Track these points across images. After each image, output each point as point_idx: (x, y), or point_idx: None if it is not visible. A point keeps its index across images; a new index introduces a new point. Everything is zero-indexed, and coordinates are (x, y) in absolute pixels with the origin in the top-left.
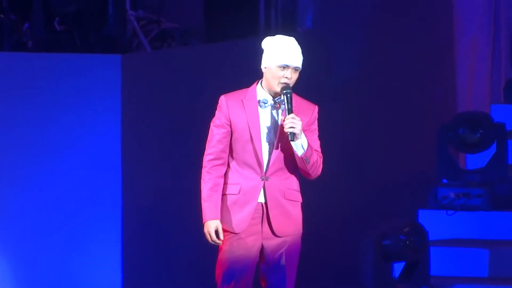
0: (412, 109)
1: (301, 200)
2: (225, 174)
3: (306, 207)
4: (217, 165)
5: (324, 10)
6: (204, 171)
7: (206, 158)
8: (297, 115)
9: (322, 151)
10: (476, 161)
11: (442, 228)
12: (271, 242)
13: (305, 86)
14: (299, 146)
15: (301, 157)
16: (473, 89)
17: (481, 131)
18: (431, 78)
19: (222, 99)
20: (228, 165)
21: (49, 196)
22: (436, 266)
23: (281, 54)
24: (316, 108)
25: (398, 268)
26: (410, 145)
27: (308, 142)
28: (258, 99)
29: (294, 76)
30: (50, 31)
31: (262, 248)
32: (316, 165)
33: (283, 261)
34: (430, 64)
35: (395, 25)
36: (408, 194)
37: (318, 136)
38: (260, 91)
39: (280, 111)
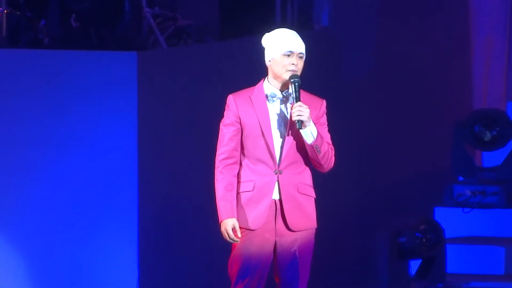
0: (428, 106)
1: (314, 196)
2: (238, 173)
3: (321, 204)
4: (230, 164)
5: (340, 8)
6: (217, 171)
7: (218, 158)
8: None
9: (337, 148)
10: (492, 158)
11: (458, 226)
12: (285, 239)
13: (321, 82)
14: (309, 133)
15: (311, 145)
16: (489, 86)
17: (497, 128)
18: (446, 76)
19: (230, 98)
20: (240, 164)
21: (65, 193)
22: (452, 264)
23: (284, 42)
24: (324, 102)
25: (414, 265)
26: (426, 142)
27: (318, 132)
28: (266, 94)
29: (300, 63)
30: (66, 28)
31: (275, 245)
32: (327, 156)
33: (296, 257)
34: (445, 62)
35: (411, 23)
36: (424, 191)
37: (328, 130)
38: (268, 86)
39: (288, 104)
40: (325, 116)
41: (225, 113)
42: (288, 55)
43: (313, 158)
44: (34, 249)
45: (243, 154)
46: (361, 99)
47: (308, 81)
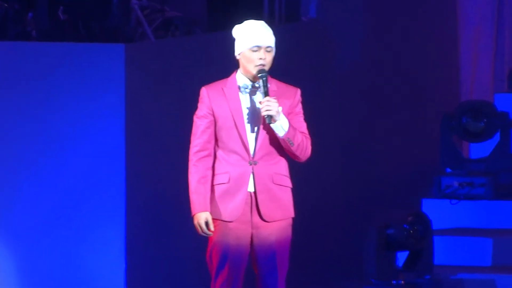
0: (415, 98)
1: (290, 186)
2: (213, 166)
3: (308, 197)
4: (203, 156)
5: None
6: (190, 164)
7: (192, 150)
8: (279, 99)
9: (324, 140)
10: (479, 150)
11: (446, 217)
12: (261, 231)
13: (308, 74)
14: (279, 128)
15: (284, 139)
16: (477, 78)
17: (485, 120)
18: (434, 67)
19: (203, 90)
20: (215, 156)
21: (52, 187)
22: (439, 255)
23: (251, 36)
24: (299, 91)
25: (401, 257)
26: (413, 134)
27: (290, 124)
28: (238, 85)
29: (269, 57)
30: (54, 21)
31: (252, 238)
32: (302, 147)
33: (273, 249)
34: (433, 53)
35: (399, 14)
36: (412, 183)
37: (304, 118)
38: (240, 78)
39: (258, 94)
40: (300, 105)
41: (198, 105)
42: (256, 50)
43: (288, 150)
44: (21, 246)
45: (218, 146)
46: (349, 90)
47: (296, 73)
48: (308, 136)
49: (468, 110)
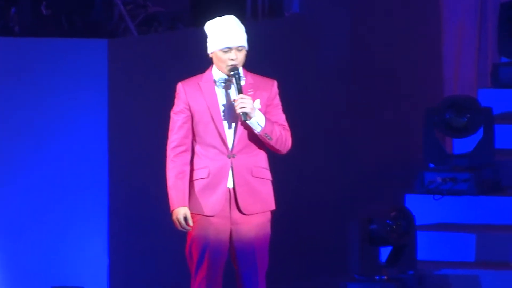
0: (399, 93)
1: (270, 178)
2: (192, 161)
3: (293, 191)
4: (181, 152)
5: None
6: (168, 159)
7: (169, 146)
8: (256, 91)
9: (308, 134)
10: (463, 145)
11: (429, 213)
12: (240, 227)
13: (292, 69)
14: (255, 124)
15: (261, 135)
16: (460, 73)
17: (468, 115)
18: (418, 62)
19: (179, 85)
20: (194, 151)
21: (34, 183)
22: (423, 251)
23: (221, 37)
24: (275, 82)
25: (384, 252)
26: (396, 129)
27: (266, 118)
28: (214, 79)
29: (240, 56)
30: (37, 16)
31: (231, 233)
32: (281, 140)
33: (253, 245)
34: (417, 48)
35: (382, 9)
36: (395, 178)
37: (283, 110)
38: (216, 72)
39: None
40: (278, 97)
41: (175, 101)
42: (226, 51)
43: (266, 144)
44: (2, 242)
45: (195, 141)
46: (332, 86)
47: (279, 68)
48: (287, 128)
49: (451, 105)
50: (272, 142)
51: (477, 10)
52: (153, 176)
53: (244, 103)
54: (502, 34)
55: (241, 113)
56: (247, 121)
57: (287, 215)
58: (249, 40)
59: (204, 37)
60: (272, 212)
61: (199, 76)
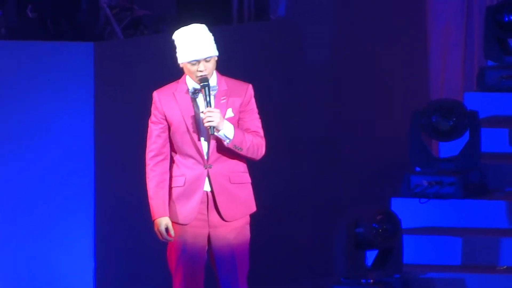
0: (385, 96)
1: (249, 181)
2: (171, 168)
3: (276, 194)
4: (160, 161)
5: None
6: (147, 169)
7: (148, 155)
8: (229, 98)
9: (295, 137)
10: (449, 149)
11: (415, 216)
12: (219, 230)
13: (278, 73)
14: (223, 136)
15: (230, 147)
16: (446, 76)
17: (454, 119)
18: (404, 65)
19: (154, 94)
20: (173, 159)
21: (20, 186)
22: (409, 254)
23: (188, 49)
24: (250, 87)
25: (370, 256)
26: (382, 133)
27: (235, 129)
28: (188, 89)
29: (209, 65)
30: (23, 19)
31: (210, 237)
32: (253, 149)
33: (232, 248)
34: (403, 51)
35: (369, 11)
36: (381, 182)
37: (259, 115)
38: (189, 81)
39: (212, 97)
40: (252, 101)
41: (152, 110)
42: (194, 64)
43: (238, 153)
44: None
45: (174, 150)
46: (318, 89)
47: (265, 72)
48: (260, 134)
49: (437, 108)
50: (243, 152)
51: (463, 13)
52: (140, 178)
53: (211, 117)
54: (488, 38)
55: (209, 127)
56: (215, 134)
57: (273, 218)
58: (235, 43)
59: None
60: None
61: (173, 84)
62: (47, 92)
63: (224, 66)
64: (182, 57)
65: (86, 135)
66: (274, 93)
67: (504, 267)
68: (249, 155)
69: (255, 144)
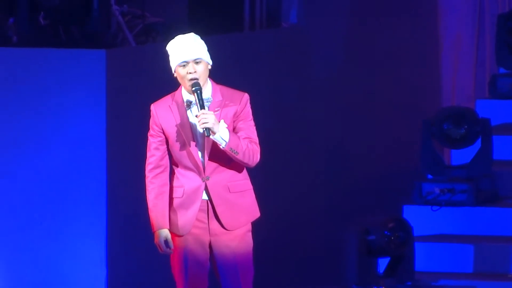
0: (397, 103)
1: (250, 187)
2: (172, 178)
3: (290, 201)
4: (159, 173)
5: (309, 5)
6: (147, 181)
7: (147, 168)
8: (224, 108)
9: (307, 145)
10: (460, 156)
11: (427, 224)
12: (220, 238)
13: (289, 80)
14: (220, 139)
15: (226, 150)
16: (458, 84)
17: (466, 126)
18: (416, 73)
19: (152, 108)
20: (174, 170)
21: (32, 192)
22: (421, 262)
23: (177, 53)
24: (245, 95)
25: (382, 263)
26: (394, 140)
27: (231, 132)
28: (184, 102)
29: (200, 68)
30: (35, 26)
31: (211, 245)
32: (248, 154)
33: (235, 259)
34: (415, 59)
35: (380, 20)
36: (393, 189)
37: (253, 124)
38: (185, 94)
39: (207, 109)
40: (247, 109)
41: (150, 122)
42: (184, 65)
43: (233, 158)
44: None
45: (174, 161)
46: (330, 96)
47: (276, 79)
48: (254, 141)
49: (449, 116)
50: (239, 156)
51: (475, 20)
52: None
53: (206, 118)
54: (500, 45)
55: (204, 129)
56: (211, 137)
57: (284, 225)
58: (246, 51)
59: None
60: (263, 221)
61: (170, 96)
62: (59, 99)
63: (236, 73)
64: (173, 62)
65: (98, 141)
66: (285, 100)
67: None
68: (245, 160)
69: (251, 150)
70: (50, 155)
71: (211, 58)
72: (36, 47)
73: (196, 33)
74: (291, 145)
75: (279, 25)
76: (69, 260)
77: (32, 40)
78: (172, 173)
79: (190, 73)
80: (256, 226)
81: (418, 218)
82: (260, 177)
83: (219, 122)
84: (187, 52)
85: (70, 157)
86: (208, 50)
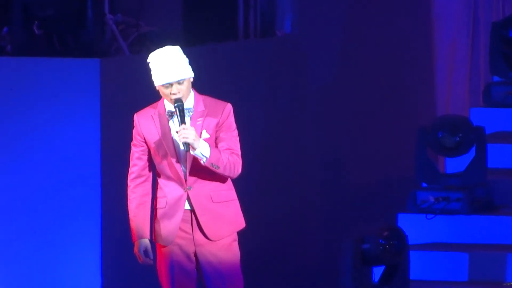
0: (391, 112)
1: (234, 198)
2: (156, 189)
3: (284, 209)
4: (140, 183)
5: (303, 14)
6: (128, 190)
7: (129, 177)
8: (206, 118)
9: (302, 154)
10: (455, 164)
11: (422, 232)
12: (205, 248)
13: (284, 88)
14: (200, 155)
15: (207, 165)
16: (452, 92)
17: (461, 134)
18: (410, 82)
19: (135, 117)
20: (158, 180)
21: (28, 200)
22: (415, 270)
23: (161, 73)
24: (228, 105)
25: (377, 272)
26: (389, 149)
27: (211, 147)
28: (166, 112)
29: (183, 87)
30: (29, 35)
31: (196, 255)
32: (229, 168)
33: (221, 270)
34: (409, 68)
35: (374, 29)
36: (387, 198)
37: (236, 134)
38: (167, 104)
39: (188, 118)
40: (230, 120)
41: (133, 132)
42: (167, 86)
43: (215, 171)
44: None
45: (157, 172)
46: (324, 105)
47: (270, 88)
48: (237, 152)
49: (444, 124)
50: (220, 170)
51: (469, 29)
52: None
53: (187, 134)
54: (494, 53)
55: (184, 144)
56: (191, 152)
57: (280, 234)
58: (241, 59)
59: (196, 56)
60: (260, 230)
61: (152, 106)
62: (54, 108)
63: (230, 82)
64: (156, 80)
65: (92, 150)
66: (279, 108)
67: (511, 283)
68: (226, 173)
69: (232, 163)
70: (45, 163)
71: (206, 67)
72: (31, 56)
73: (190, 42)
74: (285, 154)
75: (273, 34)
76: (63, 263)
77: (27, 49)
78: (156, 184)
79: (173, 93)
80: (251, 235)
81: (413, 226)
82: (255, 185)
83: (201, 133)
84: (170, 73)
85: (64, 165)
86: (202, 59)
